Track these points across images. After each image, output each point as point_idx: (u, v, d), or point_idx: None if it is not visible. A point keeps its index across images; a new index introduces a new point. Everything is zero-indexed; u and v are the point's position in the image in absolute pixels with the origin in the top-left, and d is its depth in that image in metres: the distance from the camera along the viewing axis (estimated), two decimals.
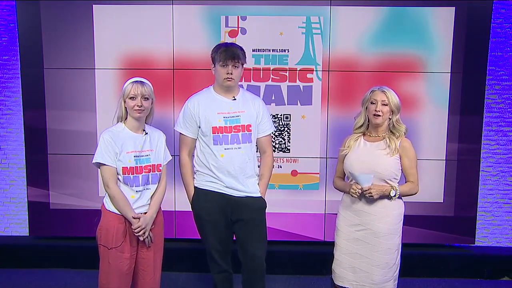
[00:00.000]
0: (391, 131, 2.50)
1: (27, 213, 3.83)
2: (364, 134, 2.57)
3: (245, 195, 2.61)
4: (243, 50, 2.60)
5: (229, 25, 3.62)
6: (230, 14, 3.61)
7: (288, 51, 3.64)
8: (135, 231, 2.39)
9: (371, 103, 2.48)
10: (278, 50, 3.64)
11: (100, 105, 3.67)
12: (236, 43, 3.54)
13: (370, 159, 2.45)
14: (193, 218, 2.70)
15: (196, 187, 2.65)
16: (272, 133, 2.79)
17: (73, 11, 3.60)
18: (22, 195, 3.94)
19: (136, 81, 2.42)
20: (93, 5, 3.60)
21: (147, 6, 3.59)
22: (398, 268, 2.53)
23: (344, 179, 2.63)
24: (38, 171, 3.75)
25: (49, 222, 3.80)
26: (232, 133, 2.56)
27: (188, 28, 3.62)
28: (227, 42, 2.60)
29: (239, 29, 3.62)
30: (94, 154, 2.38)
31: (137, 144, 2.42)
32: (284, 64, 3.64)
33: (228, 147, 2.56)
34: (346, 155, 2.55)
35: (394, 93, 2.49)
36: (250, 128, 2.60)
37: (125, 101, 2.41)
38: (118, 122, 2.46)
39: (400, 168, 2.48)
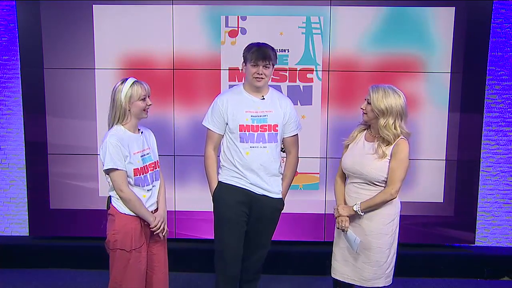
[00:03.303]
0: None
1: (27, 213, 3.83)
2: (368, 129, 2.54)
3: (267, 193, 2.63)
4: (275, 50, 2.61)
5: (229, 25, 3.62)
6: (230, 14, 3.61)
7: (288, 51, 3.64)
8: (154, 228, 2.40)
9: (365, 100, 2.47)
10: (278, 50, 3.61)
11: (100, 106, 3.66)
12: (236, 43, 3.56)
13: (359, 161, 2.45)
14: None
15: (220, 181, 2.66)
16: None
17: (73, 11, 3.60)
18: (22, 195, 3.94)
19: (137, 81, 2.39)
20: (93, 5, 3.59)
21: (147, 6, 3.59)
22: (392, 266, 2.53)
23: (345, 177, 2.62)
24: (38, 171, 3.75)
25: (49, 222, 3.80)
26: (259, 132, 2.58)
27: (188, 28, 3.62)
28: (259, 42, 2.61)
29: (239, 29, 3.62)
30: (102, 160, 2.32)
31: (139, 144, 2.41)
32: (284, 64, 3.64)
33: (254, 146, 2.58)
34: (347, 148, 2.56)
35: (384, 95, 2.35)
36: (276, 128, 2.62)
37: (131, 104, 2.34)
38: (113, 124, 2.38)
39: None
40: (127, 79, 2.39)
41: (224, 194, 2.63)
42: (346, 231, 2.46)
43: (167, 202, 2.57)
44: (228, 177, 2.64)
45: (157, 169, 2.51)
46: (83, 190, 3.75)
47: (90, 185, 3.74)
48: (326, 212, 3.73)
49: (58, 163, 3.74)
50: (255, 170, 2.58)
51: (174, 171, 3.60)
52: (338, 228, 2.51)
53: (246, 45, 2.65)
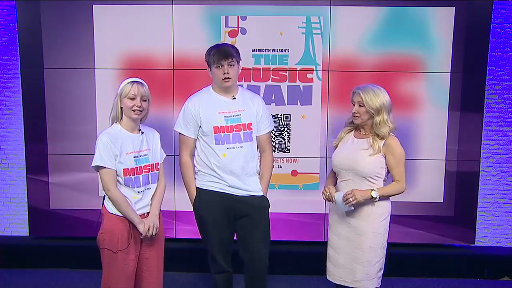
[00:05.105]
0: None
1: (27, 213, 3.83)
2: (356, 129, 2.58)
3: (248, 194, 2.62)
4: (236, 48, 2.60)
5: (229, 25, 3.62)
6: (230, 14, 3.61)
7: (288, 51, 3.64)
8: (143, 233, 2.37)
9: (352, 103, 2.50)
10: (278, 50, 3.64)
11: (100, 105, 3.67)
12: (236, 43, 3.56)
13: (351, 156, 2.48)
14: (194, 218, 2.70)
15: (198, 187, 2.65)
16: (272, 132, 2.79)
17: (73, 11, 3.60)
18: (22, 195, 3.94)
19: (135, 81, 2.39)
20: (93, 5, 3.60)
21: (147, 6, 3.59)
22: (382, 267, 2.54)
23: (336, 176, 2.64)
24: (38, 172, 3.75)
25: (49, 222, 3.79)
26: (234, 132, 2.57)
27: (188, 28, 3.62)
28: (218, 43, 2.61)
29: (239, 29, 3.62)
30: (93, 156, 2.35)
31: (135, 144, 2.40)
32: (284, 64, 3.64)
33: (230, 147, 2.57)
34: (336, 147, 2.60)
35: (374, 94, 2.42)
36: (251, 126, 2.61)
37: (121, 101, 2.37)
38: (113, 123, 2.41)
39: (385, 167, 2.48)
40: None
41: (204, 201, 2.62)
42: (335, 199, 2.48)
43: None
44: (205, 182, 2.62)
45: (155, 171, 2.47)
46: (83, 190, 3.75)
47: (90, 185, 3.74)
48: (326, 212, 3.73)
49: (58, 163, 3.74)
50: (233, 171, 2.57)
51: (174, 171, 3.59)
52: (325, 199, 2.55)
53: (206, 51, 2.61)
